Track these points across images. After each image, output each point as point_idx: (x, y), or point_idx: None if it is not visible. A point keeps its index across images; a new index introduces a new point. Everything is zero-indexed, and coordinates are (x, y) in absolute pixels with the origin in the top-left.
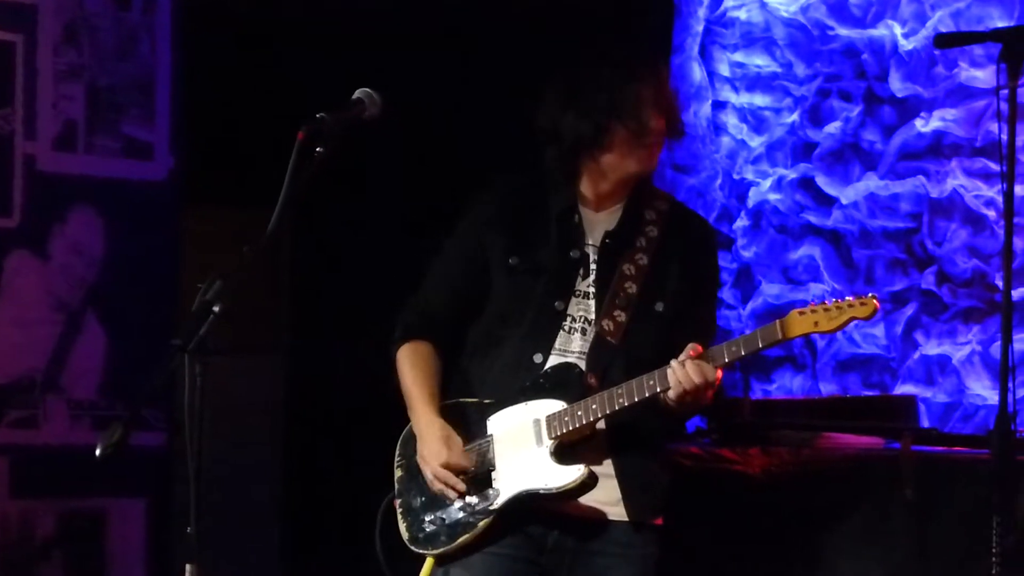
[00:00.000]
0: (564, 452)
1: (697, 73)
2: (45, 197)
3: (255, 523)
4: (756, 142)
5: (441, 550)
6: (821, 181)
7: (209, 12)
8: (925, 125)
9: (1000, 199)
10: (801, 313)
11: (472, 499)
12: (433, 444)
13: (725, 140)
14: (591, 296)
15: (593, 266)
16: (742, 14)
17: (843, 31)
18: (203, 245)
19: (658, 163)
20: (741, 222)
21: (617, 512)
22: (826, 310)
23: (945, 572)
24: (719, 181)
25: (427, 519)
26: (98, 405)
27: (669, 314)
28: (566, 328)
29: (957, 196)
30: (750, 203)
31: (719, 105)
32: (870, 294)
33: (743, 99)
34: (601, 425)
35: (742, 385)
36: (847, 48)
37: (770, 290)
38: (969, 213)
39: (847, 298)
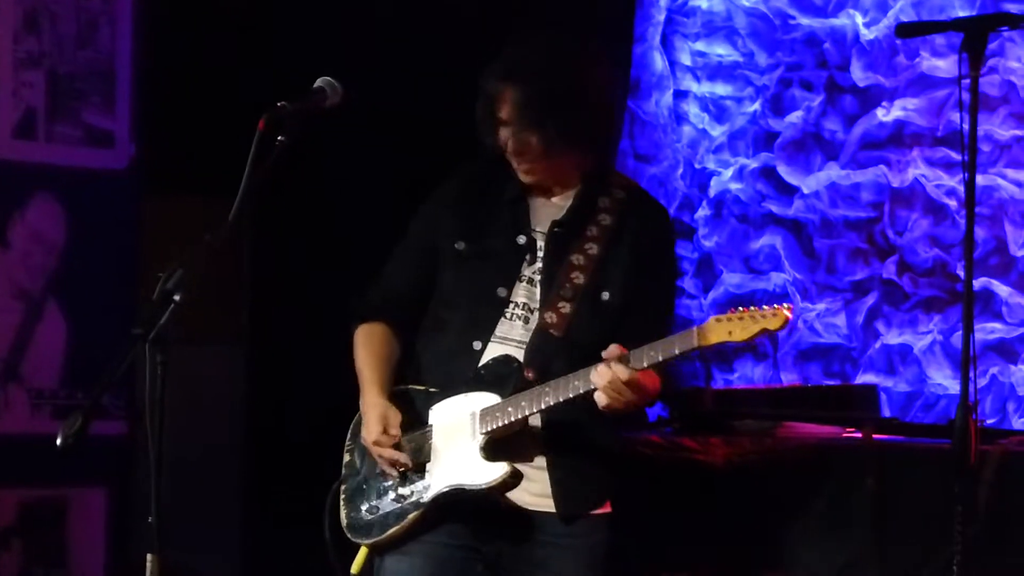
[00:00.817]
0: (495, 447)
1: (659, 62)
2: (5, 185)
3: (216, 513)
4: (717, 131)
5: (372, 540)
6: (783, 170)
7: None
8: (887, 115)
9: (961, 189)
10: (718, 321)
11: (405, 490)
12: (371, 424)
13: (686, 129)
14: (536, 283)
15: (540, 253)
16: (703, 3)
17: (804, 20)
18: (164, 234)
19: (616, 158)
20: (702, 211)
21: (546, 505)
22: (740, 319)
23: (906, 561)
24: (680, 170)
25: (364, 508)
26: (58, 394)
27: (617, 303)
28: (507, 315)
29: (918, 185)
30: (711, 192)
31: (680, 94)
32: (785, 304)
33: (704, 88)
34: (536, 420)
35: (704, 374)
36: (808, 37)
37: (731, 279)
38: (930, 203)
39: (764, 307)
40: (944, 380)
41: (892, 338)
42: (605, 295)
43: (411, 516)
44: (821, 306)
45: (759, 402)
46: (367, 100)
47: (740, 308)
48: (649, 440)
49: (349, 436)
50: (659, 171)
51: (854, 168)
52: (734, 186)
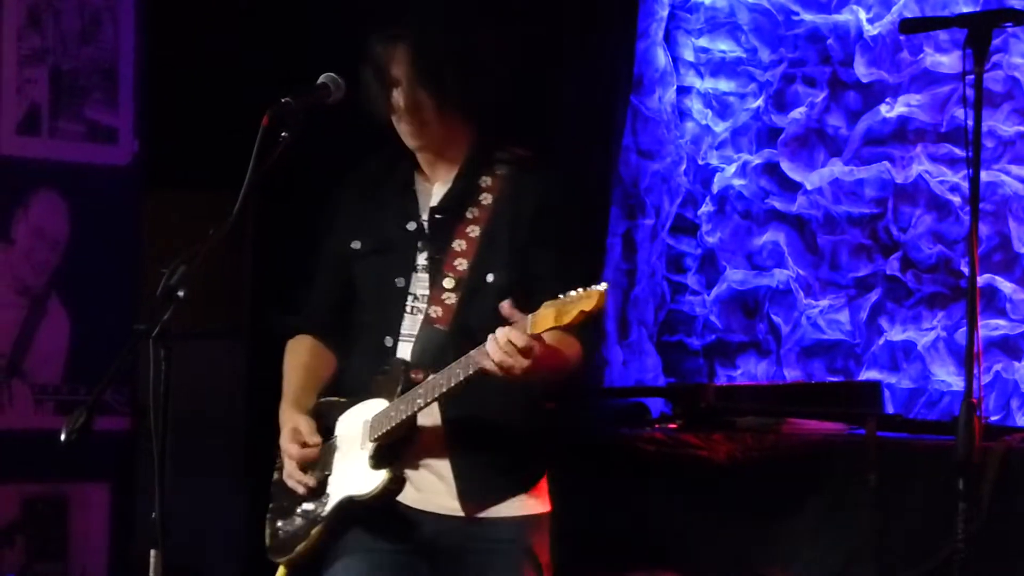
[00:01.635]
0: (386, 455)
1: (662, 58)
2: (8, 181)
3: (219, 507)
4: (721, 127)
5: (285, 558)
6: (786, 167)
7: None
8: (890, 111)
9: (965, 185)
10: (546, 307)
11: (309, 505)
12: (283, 433)
13: (690, 126)
14: (427, 270)
15: (426, 241)
16: None
17: (808, 16)
18: (167, 229)
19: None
20: (706, 208)
21: (453, 507)
22: (563, 304)
23: (908, 558)
24: (684, 167)
25: (279, 526)
26: (62, 390)
27: (503, 282)
28: (408, 308)
29: (922, 182)
30: (715, 189)
31: (684, 90)
32: (603, 285)
33: (708, 84)
34: (433, 419)
35: (706, 370)
36: (812, 33)
37: (734, 276)
38: (934, 199)
39: (579, 291)
40: (948, 377)
41: (895, 335)
42: (490, 277)
43: (314, 531)
44: (824, 302)
45: (762, 398)
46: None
47: (571, 292)
48: (652, 436)
49: (276, 456)
50: (662, 167)
51: (857, 164)
52: (737, 182)
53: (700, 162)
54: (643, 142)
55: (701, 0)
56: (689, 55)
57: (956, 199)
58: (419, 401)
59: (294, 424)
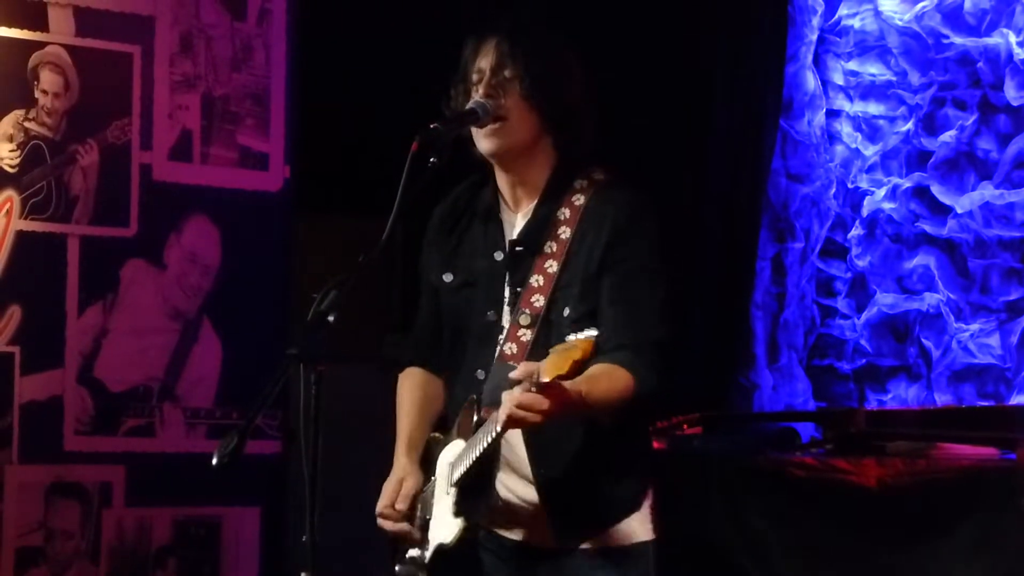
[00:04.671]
0: (465, 498)
1: (811, 82)
2: (161, 207)
3: (369, 531)
4: (870, 151)
5: None
6: (936, 190)
7: (324, 22)
8: None
9: None
10: (553, 353)
11: (415, 552)
12: (384, 492)
13: (839, 149)
14: (510, 304)
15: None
16: (856, 22)
17: (958, 39)
18: (317, 255)
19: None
20: (855, 231)
21: (548, 541)
22: (562, 352)
23: None
24: (833, 190)
25: (397, 571)
26: (213, 413)
27: (576, 316)
28: (501, 342)
29: None
30: (864, 212)
31: (833, 114)
32: (593, 332)
33: (857, 108)
34: (514, 456)
35: (857, 395)
36: (962, 56)
37: (884, 300)
38: None
39: (575, 337)
40: None
41: None
42: (566, 311)
43: None
44: (975, 326)
45: (912, 423)
46: None
47: (567, 340)
48: (802, 461)
49: None
50: (812, 190)
51: (1008, 188)
52: (887, 206)
53: (850, 185)
54: (793, 166)
55: (851, 24)
56: (839, 78)
57: None
58: (479, 447)
59: (400, 477)
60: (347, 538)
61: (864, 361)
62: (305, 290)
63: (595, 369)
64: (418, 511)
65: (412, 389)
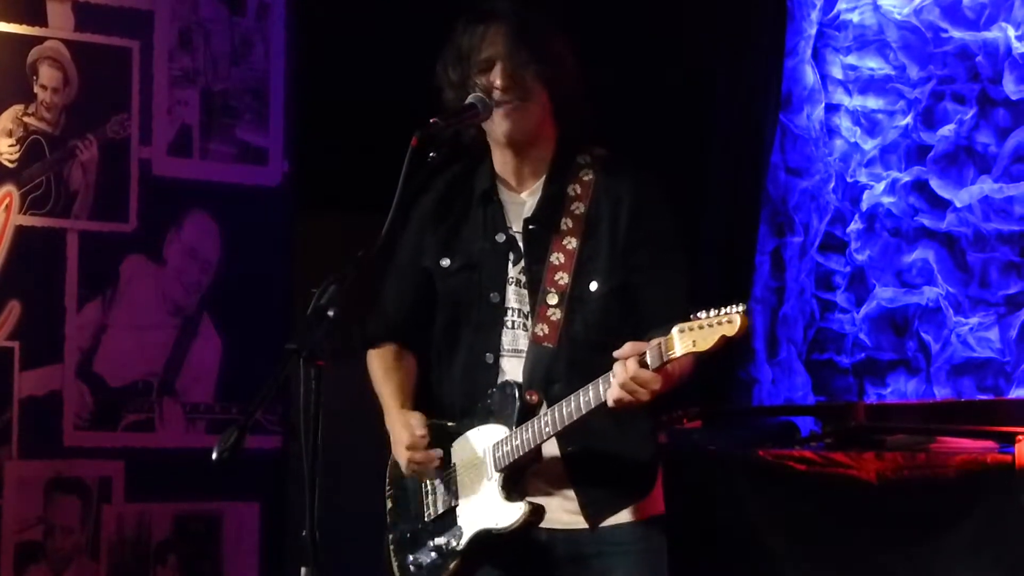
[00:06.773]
0: (514, 482)
1: (810, 76)
2: (160, 202)
3: (369, 526)
4: (869, 145)
5: None
6: (935, 184)
7: (322, 17)
8: None
9: None
10: (681, 331)
11: (441, 540)
12: (399, 433)
13: (838, 143)
14: (524, 286)
15: (522, 253)
16: (855, 17)
17: (957, 33)
18: (317, 250)
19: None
20: (855, 225)
21: (576, 521)
22: (700, 328)
23: None
24: (832, 184)
25: (409, 561)
26: (213, 409)
27: (605, 290)
28: (508, 323)
29: None
30: (864, 206)
31: (832, 108)
32: (741, 307)
33: (856, 102)
34: (552, 443)
35: (856, 389)
36: (961, 50)
37: (884, 293)
38: None
39: (720, 311)
40: None
41: None
42: (593, 286)
43: (452, 565)
44: (974, 320)
45: (912, 417)
46: None
47: (702, 313)
48: (802, 455)
49: (388, 481)
50: (811, 184)
51: (1007, 181)
52: (886, 200)
53: (849, 180)
54: (792, 160)
55: (849, 18)
56: (837, 73)
57: None
58: (547, 430)
59: (406, 419)
60: (347, 533)
61: (863, 355)
62: (305, 285)
63: None
64: (434, 495)
65: (391, 359)
